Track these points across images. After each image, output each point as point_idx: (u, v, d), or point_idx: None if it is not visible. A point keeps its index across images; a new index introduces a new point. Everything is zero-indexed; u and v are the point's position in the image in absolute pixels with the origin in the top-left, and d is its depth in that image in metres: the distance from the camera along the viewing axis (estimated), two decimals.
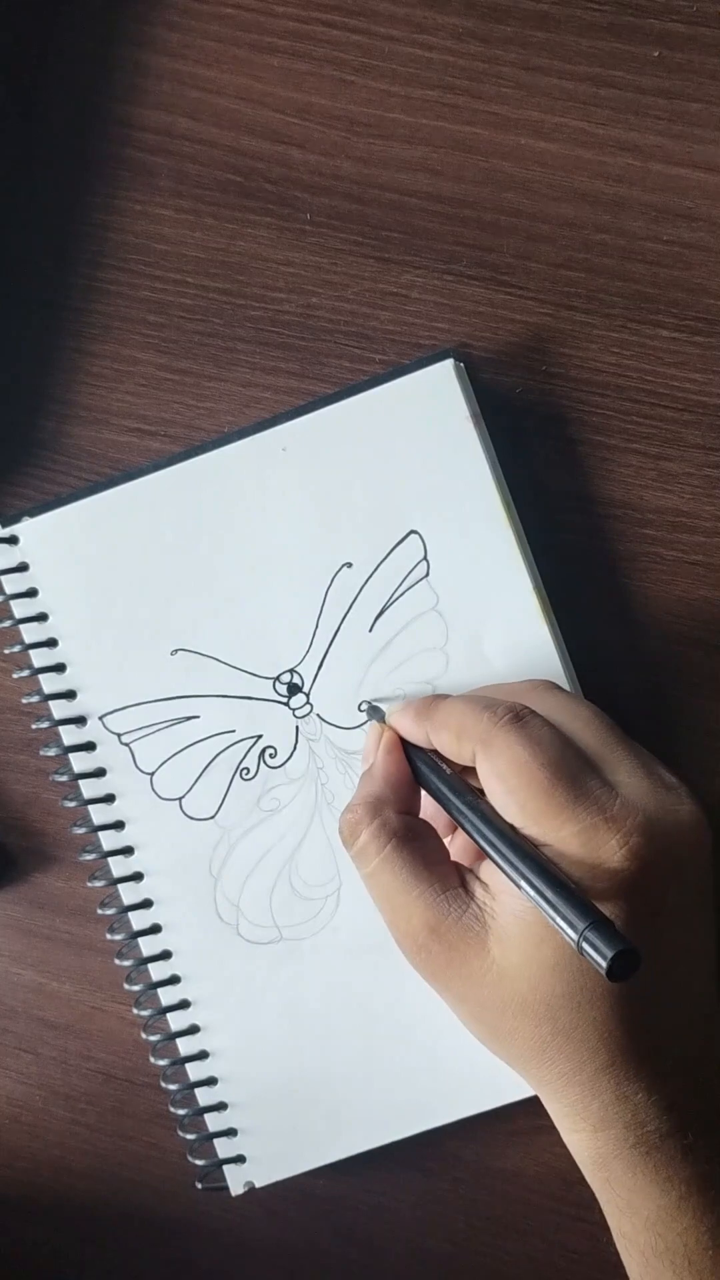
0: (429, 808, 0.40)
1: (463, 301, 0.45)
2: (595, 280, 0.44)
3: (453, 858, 0.40)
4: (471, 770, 0.38)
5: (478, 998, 0.37)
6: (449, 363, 0.42)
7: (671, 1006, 0.37)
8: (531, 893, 0.34)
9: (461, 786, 0.38)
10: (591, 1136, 0.37)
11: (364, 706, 0.43)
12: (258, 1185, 0.44)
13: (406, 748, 0.41)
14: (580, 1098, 0.36)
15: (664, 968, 0.36)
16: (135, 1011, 0.44)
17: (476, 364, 0.44)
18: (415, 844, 0.38)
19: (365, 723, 0.43)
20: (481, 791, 0.38)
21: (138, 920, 0.44)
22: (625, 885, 0.35)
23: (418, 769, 0.40)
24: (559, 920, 0.33)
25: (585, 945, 0.32)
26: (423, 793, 0.40)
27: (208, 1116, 0.44)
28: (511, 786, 0.36)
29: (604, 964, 0.31)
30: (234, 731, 0.44)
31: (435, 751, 0.40)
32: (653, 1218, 0.36)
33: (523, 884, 0.34)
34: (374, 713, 0.43)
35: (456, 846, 0.41)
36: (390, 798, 0.39)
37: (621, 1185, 0.37)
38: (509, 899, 0.36)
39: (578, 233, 0.44)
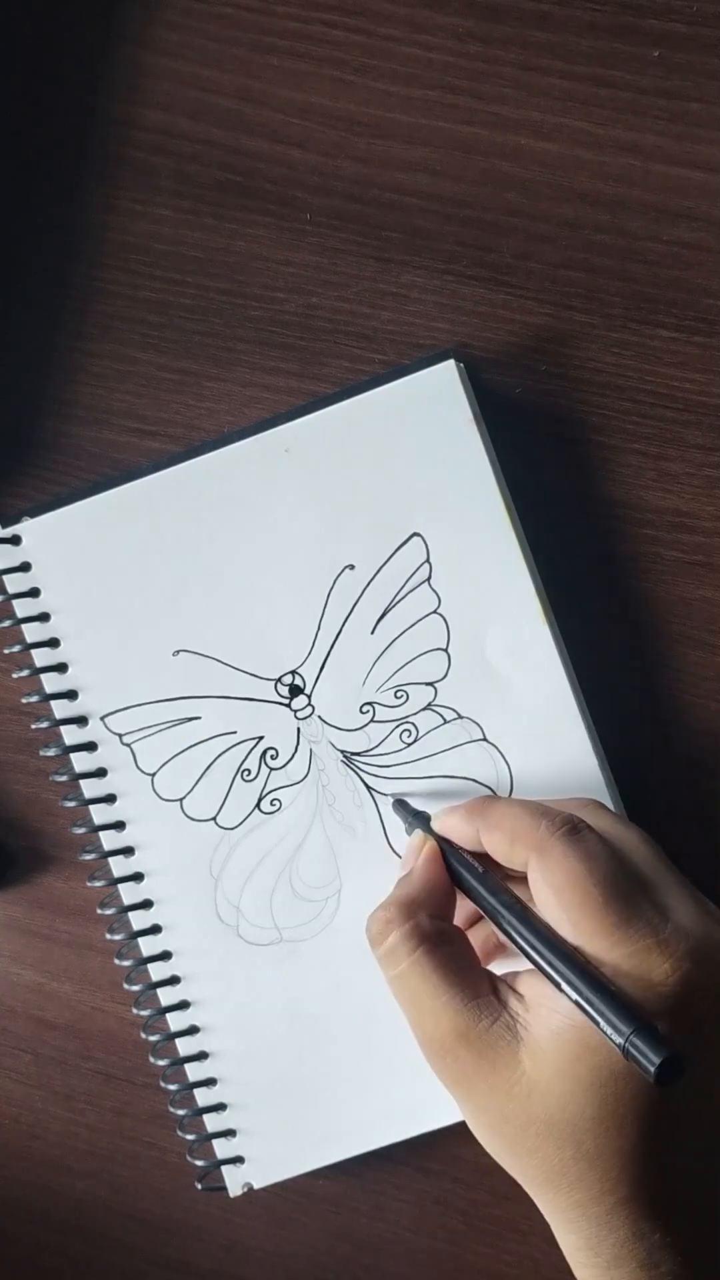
0: (461, 911, 0.40)
1: (463, 301, 0.45)
2: (595, 280, 0.44)
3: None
4: (518, 877, 0.37)
5: (501, 1110, 0.35)
6: (450, 364, 0.42)
7: (698, 1144, 0.35)
8: (576, 997, 0.33)
9: (505, 892, 0.37)
10: (604, 1274, 0.36)
11: (395, 806, 0.43)
12: (256, 1186, 0.44)
13: (448, 850, 0.40)
14: (595, 1231, 0.35)
15: (697, 1103, 0.35)
16: (135, 1011, 0.44)
17: (477, 364, 0.44)
18: (447, 949, 0.37)
19: (394, 803, 0.43)
20: (522, 900, 0.37)
21: (138, 920, 0.44)
22: (671, 1010, 0.34)
23: (459, 874, 0.39)
24: (605, 1025, 0.32)
25: (632, 1049, 0.31)
26: (457, 898, 0.40)
27: (206, 1117, 0.44)
28: (565, 901, 0.35)
29: (652, 1068, 0.31)
30: (235, 733, 0.44)
31: (481, 855, 0.39)
32: None
33: (567, 988, 0.34)
34: (402, 809, 0.42)
35: (478, 942, 0.40)
36: (425, 902, 0.38)
37: None
38: (546, 1013, 0.35)
39: (578, 233, 0.44)
